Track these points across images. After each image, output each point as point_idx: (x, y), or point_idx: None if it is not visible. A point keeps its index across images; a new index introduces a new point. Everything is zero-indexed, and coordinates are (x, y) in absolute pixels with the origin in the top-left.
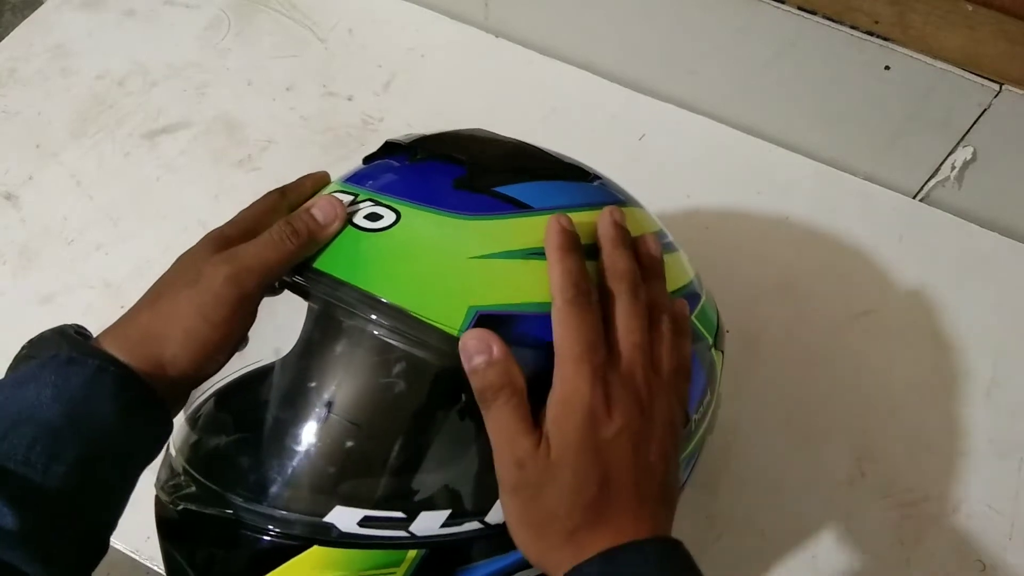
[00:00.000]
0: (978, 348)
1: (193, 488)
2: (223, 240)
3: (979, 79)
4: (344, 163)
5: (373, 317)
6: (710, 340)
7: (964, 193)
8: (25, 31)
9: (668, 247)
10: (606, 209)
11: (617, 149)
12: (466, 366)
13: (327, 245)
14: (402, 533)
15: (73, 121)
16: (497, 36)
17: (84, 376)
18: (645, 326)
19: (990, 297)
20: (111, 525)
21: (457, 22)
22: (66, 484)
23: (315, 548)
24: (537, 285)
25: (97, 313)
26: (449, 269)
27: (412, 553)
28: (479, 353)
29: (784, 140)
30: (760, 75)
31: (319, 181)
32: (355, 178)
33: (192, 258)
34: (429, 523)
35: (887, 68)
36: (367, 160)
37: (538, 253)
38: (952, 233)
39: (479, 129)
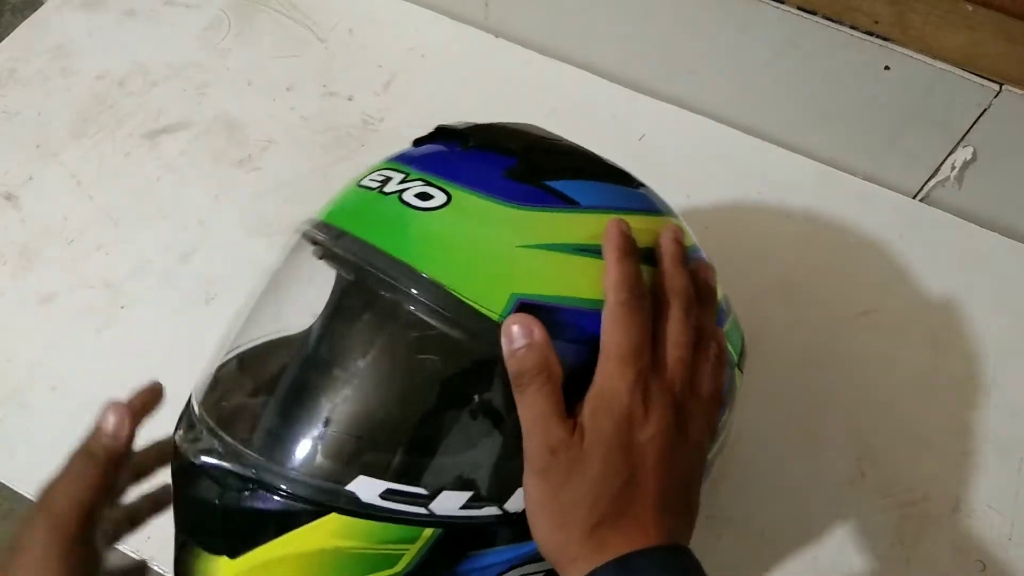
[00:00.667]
0: (978, 348)
1: (215, 443)
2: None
3: (979, 79)
4: (344, 163)
5: (414, 292)
6: (735, 359)
7: (964, 193)
8: (25, 31)
9: (704, 262)
10: (668, 226)
11: (617, 149)
12: (506, 348)
13: (372, 219)
14: (421, 510)
15: (73, 121)
16: (497, 36)
17: None
18: (692, 344)
19: (990, 297)
20: None
21: (457, 22)
22: None
23: (333, 515)
24: (581, 281)
25: (97, 313)
26: (495, 254)
27: (428, 531)
28: (521, 337)
29: (784, 140)
30: (760, 75)
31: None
32: (405, 158)
33: (20, 525)
34: (449, 503)
35: (887, 68)
36: (417, 143)
37: (584, 249)
38: (952, 233)
39: (530, 125)
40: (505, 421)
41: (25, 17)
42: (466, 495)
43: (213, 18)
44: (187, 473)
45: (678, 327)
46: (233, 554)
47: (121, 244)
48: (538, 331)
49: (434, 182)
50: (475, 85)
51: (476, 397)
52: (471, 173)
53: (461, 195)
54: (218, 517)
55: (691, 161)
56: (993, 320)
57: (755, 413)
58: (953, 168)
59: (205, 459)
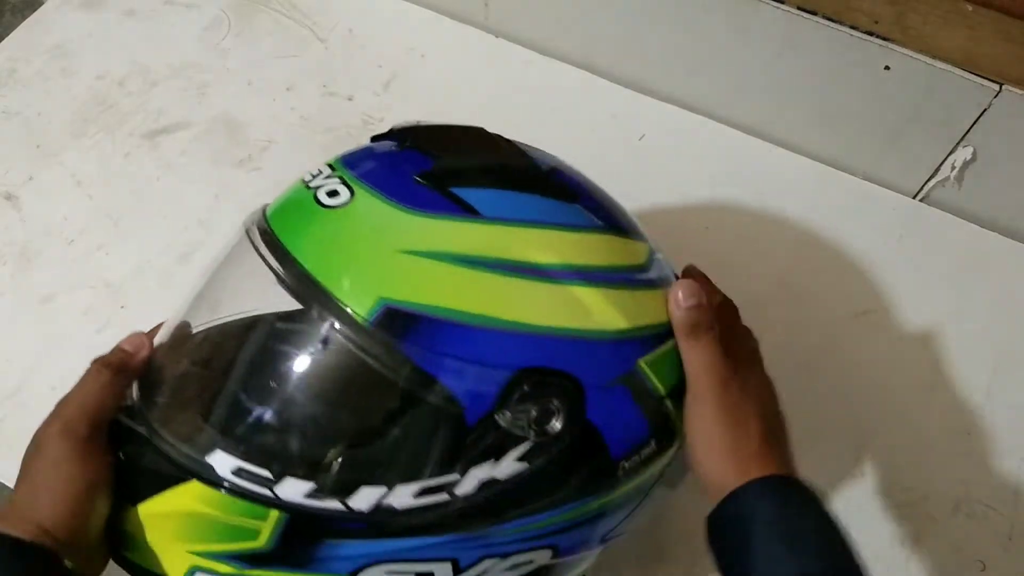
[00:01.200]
0: (978, 348)
1: (134, 404)
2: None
3: (979, 79)
4: None
5: (289, 284)
6: (661, 392)
7: (964, 193)
8: (25, 31)
9: (643, 284)
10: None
11: (617, 149)
12: (684, 303)
13: (287, 213)
14: (267, 492)
15: (73, 121)
16: (497, 36)
17: None
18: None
19: (990, 297)
20: None
21: (457, 22)
22: None
23: (195, 482)
24: (458, 292)
25: (97, 313)
26: (373, 257)
27: (275, 513)
28: (692, 296)
29: (784, 140)
30: (760, 75)
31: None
32: (344, 154)
33: (36, 431)
34: (293, 490)
35: (887, 68)
36: (373, 139)
37: (469, 261)
38: (952, 233)
39: (483, 129)
40: (351, 423)
41: (25, 17)
42: (309, 485)
43: (213, 18)
44: (111, 429)
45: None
46: (133, 501)
47: (121, 244)
48: (706, 295)
49: (348, 180)
50: (475, 85)
51: (326, 391)
52: (383, 174)
53: (364, 195)
54: (124, 468)
55: (691, 161)
56: (993, 320)
57: None
58: (953, 168)
59: (120, 416)
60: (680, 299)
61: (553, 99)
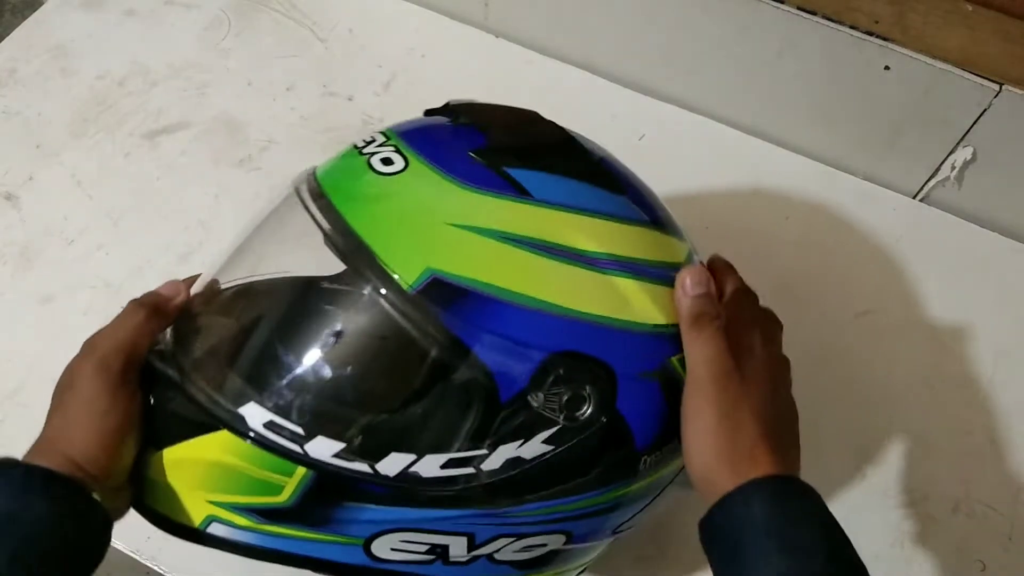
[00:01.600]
0: (978, 348)
1: (166, 348)
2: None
3: (979, 79)
4: None
5: (339, 246)
6: None
7: (964, 193)
8: (25, 31)
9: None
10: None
11: (617, 149)
12: (691, 291)
13: (339, 176)
14: (297, 448)
15: (73, 121)
16: (497, 36)
17: (12, 481)
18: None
19: (990, 297)
20: None
21: (457, 22)
22: (10, 570)
23: (225, 432)
24: (502, 269)
25: (97, 313)
26: (423, 226)
27: (301, 471)
28: (699, 284)
29: (784, 140)
30: (760, 75)
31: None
32: (398, 125)
33: (69, 365)
34: (322, 448)
35: (887, 68)
36: (426, 114)
37: (515, 240)
38: (952, 233)
39: (537, 113)
40: (386, 388)
41: (25, 17)
42: (339, 445)
43: (213, 18)
44: (144, 370)
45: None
46: (158, 446)
47: (121, 244)
48: (713, 285)
49: (402, 150)
50: (475, 85)
51: (367, 355)
52: (438, 147)
53: (418, 165)
54: (152, 412)
55: (691, 161)
56: (993, 320)
57: None
58: (953, 168)
59: (152, 359)
60: (688, 286)
61: (553, 99)
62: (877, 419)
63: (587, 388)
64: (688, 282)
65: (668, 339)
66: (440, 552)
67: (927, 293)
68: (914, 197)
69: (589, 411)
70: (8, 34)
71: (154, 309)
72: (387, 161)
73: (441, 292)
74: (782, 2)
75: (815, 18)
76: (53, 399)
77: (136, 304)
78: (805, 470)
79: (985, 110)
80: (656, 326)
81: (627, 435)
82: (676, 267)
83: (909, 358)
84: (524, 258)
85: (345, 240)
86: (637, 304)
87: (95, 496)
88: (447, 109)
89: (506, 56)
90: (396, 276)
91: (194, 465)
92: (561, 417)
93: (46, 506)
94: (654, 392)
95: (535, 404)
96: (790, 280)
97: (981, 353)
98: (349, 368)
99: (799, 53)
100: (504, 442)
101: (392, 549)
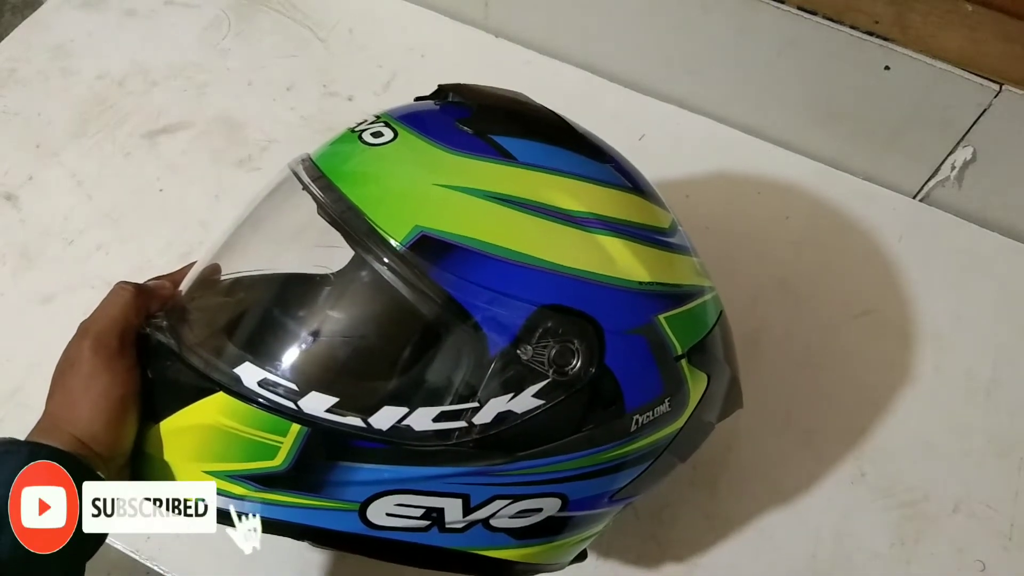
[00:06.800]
0: (978, 348)
1: (162, 321)
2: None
3: (979, 79)
4: None
5: (331, 210)
6: (678, 350)
7: (964, 193)
8: (25, 31)
9: (666, 245)
10: None
11: (617, 149)
12: None
13: (334, 150)
14: (291, 405)
15: (73, 121)
16: (497, 36)
17: (20, 459)
18: None
19: (989, 297)
20: None
21: (457, 22)
22: (13, 554)
23: (221, 394)
24: (488, 225)
25: None
26: (411, 188)
27: (295, 429)
28: None
29: (784, 140)
30: (760, 75)
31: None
32: (391, 109)
33: (66, 348)
34: (316, 403)
35: (887, 68)
36: (416, 99)
37: (501, 198)
38: (952, 233)
39: (524, 95)
40: (378, 343)
41: (25, 17)
42: (332, 400)
43: (213, 18)
44: (141, 345)
45: None
46: (156, 419)
47: (121, 244)
48: None
49: (392, 124)
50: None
51: (357, 313)
52: (426, 120)
53: (407, 136)
54: (149, 385)
55: (691, 161)
56: (992, 320)
57: (755, 413)
58: (953, 168)
59: (149, 330)
60: None
61: (553, 99)
62: (877, 419)
63: (575, 342)
64: None
65: (654, 297)
66: (436, 517)
67: (927, 293)
68: (914, 197)
69: (578, 365)
70: (8, 34)
71: (141, 288)
72: (377, 134)
73: (430, 248)
74: (782, 2)
75: (815, 18)
76: (53, 382)
77: (122, 284)
78: (805, 470)
79: (985, 110)
80: (641, 283)
81: (616, 391)
82: (660, 231)
83: (909, 358)
84: (510, 215)
85: (336, 205)
86: (622, 261)
87: (99, 474)
88: (437, 92)
89: (506, 56)
90: (385, 234)
91: (191, 432)
92: (551, 371)
93: None
94: (642, 348)
95: (524, 357)
96: (790, 280)
97: (981, 353)
98: (341, 324)
99: (799, 53)
100: (495, 395)
101: (388, 515)
